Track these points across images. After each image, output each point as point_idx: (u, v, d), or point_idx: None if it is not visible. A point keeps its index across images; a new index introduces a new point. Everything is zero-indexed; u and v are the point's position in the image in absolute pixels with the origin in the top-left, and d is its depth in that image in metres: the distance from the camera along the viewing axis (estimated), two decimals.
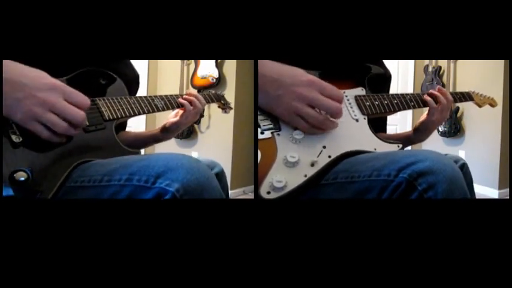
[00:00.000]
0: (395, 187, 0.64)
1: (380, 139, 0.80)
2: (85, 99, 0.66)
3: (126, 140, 0.95)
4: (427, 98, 0.90)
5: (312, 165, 0.72)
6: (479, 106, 1.05)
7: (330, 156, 0.73)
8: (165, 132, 0.96)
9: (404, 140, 0.95)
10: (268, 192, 0.68)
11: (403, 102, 0.87)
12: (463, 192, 0.63)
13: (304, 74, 0.72)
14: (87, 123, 0.71)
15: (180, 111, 0.95)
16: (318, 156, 0.73)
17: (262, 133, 0.74)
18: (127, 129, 1.01)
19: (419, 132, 0.94)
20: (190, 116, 0.94)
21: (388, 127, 1.04)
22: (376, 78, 0.89)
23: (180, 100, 0.93)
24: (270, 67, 0.72)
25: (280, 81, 0.71)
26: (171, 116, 0.97)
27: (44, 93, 0.61)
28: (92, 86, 0.71)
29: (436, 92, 0.90)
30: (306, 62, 0.75)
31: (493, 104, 1.08)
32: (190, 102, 0.94)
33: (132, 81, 0.95)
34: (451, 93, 0.95)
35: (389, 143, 0.80)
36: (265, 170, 0.70)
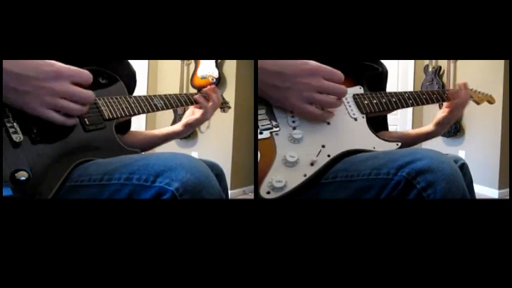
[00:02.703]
0: (394, 185, 0.65)
1: (379, 138, 0.80)
2: (88, 76, 0.69)
3: (140, 139, 0.98)
4: (457, 89, 0.94)
5: (312, 164, 0.72)
6: (478, 103, 1.05)
7: (329, 156, 0.73)
8: (188, 127, 1.00)
9: (425, 135, 0.99)
10: (268, 192, 0.68)
11: (401, 100, 0.88)
12: (462, 191, 0.63)
13: (304, 62, 0.73)
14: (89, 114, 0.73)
15: (196, 109, 0.99)
16: (317, 155, 0.73)
17: (261, 133, 0.74)
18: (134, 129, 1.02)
19: (440, 126, 0.97)
20: (209, 111, 0.99)
21: (389, 127, 1.04)
22: (374, 76, 0.90)
23: (196, 97, 0.97)
24: (270, 61, 0.73)
25: (284, 73, 0.72)
26: (189, 113, 1.01)
27: (51, 82, 0.64)
28: (92, 85, 0.71)
29: (459, 88, 0.95)
30: None
31: (491, 101, 1.08)
32: (207, 98, 0.98)
33: (130, 79, 0.96)
34: (449, 90, 0.96)
35: (388, 141, 0.80)
36: (265, 170, 0.70)
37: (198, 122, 0.99)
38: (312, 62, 0.74)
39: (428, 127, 0.99)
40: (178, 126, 1.01)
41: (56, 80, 0.65)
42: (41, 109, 0.64)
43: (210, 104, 0.98)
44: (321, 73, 0.74)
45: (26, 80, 0.62)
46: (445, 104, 0.95)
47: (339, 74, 0.75)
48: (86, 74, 0.69)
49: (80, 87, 0.68)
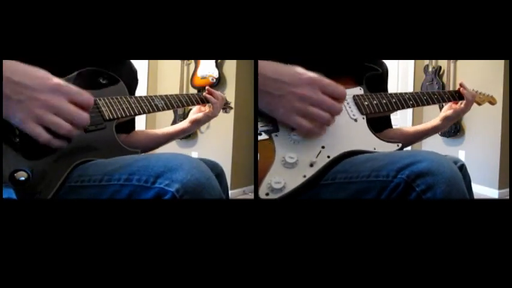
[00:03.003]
0: (394, 188, 0.64)
1: (379, 138, 0.79)
2: (89, 99, 0.65)
3: (146, 138, 0.99)
4: (463, 90, 0.96)
5: (311, 165, 0.71)
6: (479, 104, 1.05)
7: (329, 157, 0.73)
8: (195, 124, 1.03)
9: (432, 129, 1.01)
10: (267, 194, 0.67)
11: (402, 101, 0.87)
12: (462, 194, 0.63)
13: (304, 72, 0.70)
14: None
15: (202, 107, 1.03)
16: (317, 156, 0.72)
17: (260, 134, 0.73)
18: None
19: (447, 120, 0.99)
20: (217, 108, 1.03)
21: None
22: (374, 77, 0.89)
23: (206, 95, 1.01)
24: (268, 67, 0.70)
25: (280, 81, 0.69)
26: (195, 111, 1.04)
27: (47, 95, 0.60)
28: (92, 86, 0.71)
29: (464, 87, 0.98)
30: (304, 62, 0.75)
31: (492, 102, 1.08)
32: (213, 96, 1.03)
33: (132, 78, 0.96)
34: (450, 91, 0.97)
35: (389, 142, 0.80)
36: (264, 171, 0.69)
37: (207, 117, 1.02)
38: (314, 74, 0.70)
39: (435, 121, 1.00)
40: (185, 123, 1.02)
41: (52, 94, 0.60)
42: (29, 122, 0.59)
43: (218, 100, 1.02)
44: (320, 85, 0.70)
45: (21, 89, 0.58)
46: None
47: (340, 89, 0.72)
48: (86, 96, 0.64)
49: (76, 107, 0.63)
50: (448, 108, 0.99)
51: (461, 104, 0.97)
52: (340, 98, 0.72)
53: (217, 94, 1.04)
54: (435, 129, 1.00)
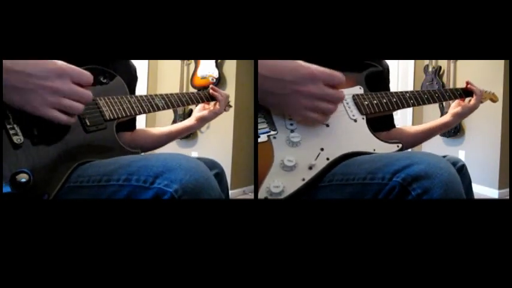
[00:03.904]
0: (389, 191, 0.63)
1: (379, 139, 0.79)
2: (88, 76, 0.68)
3: (151, 136, 0.99)
4: (471, 87, 0.97)
5: (310, 168, 0.70)
6: (480, 102, 1.05)
7: (328, 159, 0.72)
8: (201, 121, 1.03)
9: (441, 126, 1.01)
10: (266, 198, 0.67)
11: (403, 100, 0.87)
12: (459, 197, 0.62)
13: (303, 66, 0.70)
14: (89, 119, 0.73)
15: (206, 105, 1.04)
16: (316, 159, 0.72)
17: (258, 136, 0.73)
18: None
19: (458, 117, 0.99)
20: (222, 106, 1.04)
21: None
22: (374, 75, 0.88)
23: (212, 92, 1.02)
24: (267, 66, 0.69)
25: (282, 80, 0.69)
26: (200, 109, 1.05)
27: (54, 81, 0.63)
28: (93, 84, 0.71)
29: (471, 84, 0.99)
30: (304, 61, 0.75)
31: (494, 99, 1.08)
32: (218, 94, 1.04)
33: (131, 76, 0.96)
34: (452, 89, 0.97)
35: (389, 143, 0.79)
36: (262, 174, 0.68)
37: (214, 114, 1.02)
38: (313, 67, 0.70)
39: (446, 118, 1.00)
40: (191, 121, 1.03)
41: (58, 79, 0.63)
42: (44, 108, 0.63)
43: (223, 98, 1.03)
44: (321, 78, 0.71)
45: (27, 78, 0.61)
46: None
47: (338, 76, 0.73)
48: (86, 75, 0.68)
49: (80, 87, 0.67)
50: (456, 105, 1.00)
51: (469, 101, 0.98)
52: (338, 83, 0.73)
53: (222, 92, 1.05)
54: (446, 126, 1.00)
